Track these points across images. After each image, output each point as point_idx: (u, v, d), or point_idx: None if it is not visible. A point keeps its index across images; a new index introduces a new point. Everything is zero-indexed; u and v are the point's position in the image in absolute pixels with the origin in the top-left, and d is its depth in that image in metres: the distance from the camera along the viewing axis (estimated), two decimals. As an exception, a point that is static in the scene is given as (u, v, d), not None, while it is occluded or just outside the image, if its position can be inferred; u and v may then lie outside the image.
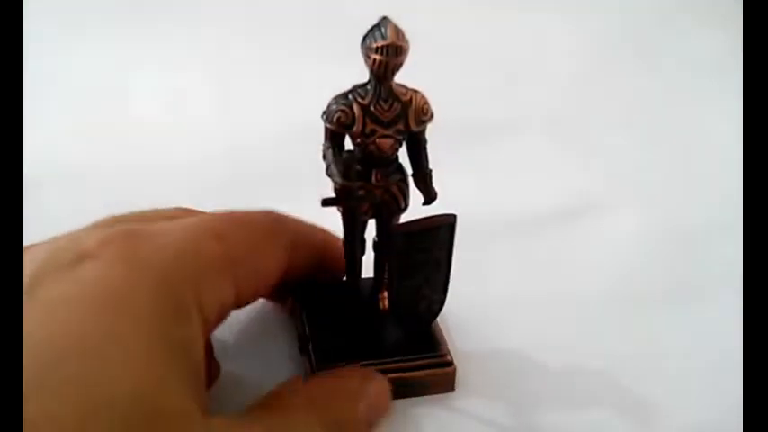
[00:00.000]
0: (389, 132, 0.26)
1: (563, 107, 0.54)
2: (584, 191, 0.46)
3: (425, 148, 0.28)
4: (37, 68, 0.45)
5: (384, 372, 0.30)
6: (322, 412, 0.26)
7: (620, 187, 0.46)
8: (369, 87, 0.26)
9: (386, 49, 0.24)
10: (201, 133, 0.51)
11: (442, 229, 0.28)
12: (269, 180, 0.45)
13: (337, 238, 0.31)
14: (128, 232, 0.23)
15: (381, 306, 0.32)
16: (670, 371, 0.33)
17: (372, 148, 0.26)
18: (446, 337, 0.32)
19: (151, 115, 0.52)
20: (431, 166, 0.29)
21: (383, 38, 0.24)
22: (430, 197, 0.29)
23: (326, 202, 0.26)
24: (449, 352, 0.31)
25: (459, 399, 0.31)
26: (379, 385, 0.30)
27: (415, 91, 0.27)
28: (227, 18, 0.63)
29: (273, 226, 0.29)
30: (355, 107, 0.26)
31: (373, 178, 0.27)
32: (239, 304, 0.28)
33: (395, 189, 0.28)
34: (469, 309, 0.34)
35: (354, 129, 0.26)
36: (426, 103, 0.27)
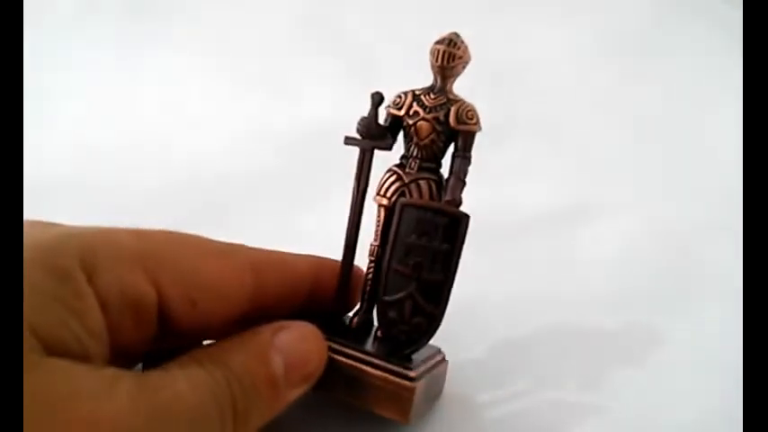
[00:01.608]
0: (428, 117, 0.30)
1: (560, 108, 0.54)
2: (582, 192, 0.46)
3: (465, 158, 0.30)
4: (36, 76, 0.46)
5: (335, 353, 0.27)
6: (218, 367, 0.23)
7: (618, 188, 0.47)
8: (429, 86, 0.31)
9: (443, 41, 0.30)
10: (201, 140, 0.51)
11: (450, 219, 0.28)
12: (269, 191, 0.45)
13: (332, 261, 0.30)
14: (33, 221, 0.24)
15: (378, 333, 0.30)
16: (669, 371, 0.33)
17: (412, 130, 0.30)
18: (436, 343, 0.29)
19: (151, 121, 0.53)
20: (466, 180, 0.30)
21: (442, 37, 0.30)
22: (451, 197, 0.29)
23: (348, 140, 0.30)
24: (419, 372, 0.28)
25: (456, 397, 0.31)
26: (295, 333, 0.25)
27: (469, 103, 0.30)
28: (227, 28, 0.63)
29: (225, 248, 0.27)
30: (409, 94, 0.31)
31: (407, 167, 0.30)
32: (185, 314, 0.25)
33: (423, 183, 0.30)
34: (466, 309, 0.34)
35: (403, 109, 0.30)
36: (473, 110, 0.30)
